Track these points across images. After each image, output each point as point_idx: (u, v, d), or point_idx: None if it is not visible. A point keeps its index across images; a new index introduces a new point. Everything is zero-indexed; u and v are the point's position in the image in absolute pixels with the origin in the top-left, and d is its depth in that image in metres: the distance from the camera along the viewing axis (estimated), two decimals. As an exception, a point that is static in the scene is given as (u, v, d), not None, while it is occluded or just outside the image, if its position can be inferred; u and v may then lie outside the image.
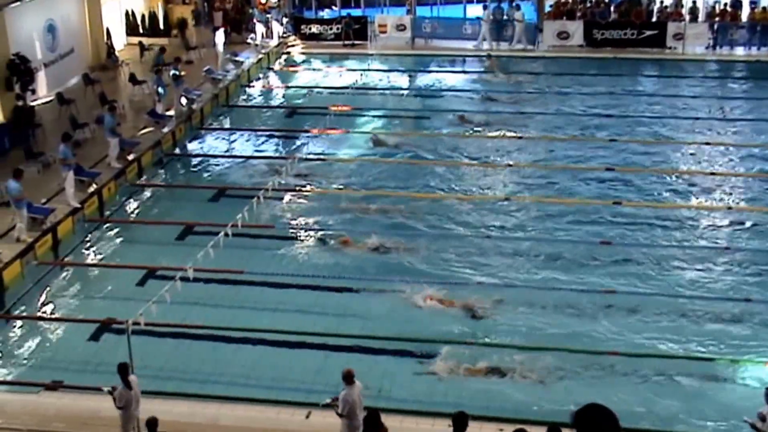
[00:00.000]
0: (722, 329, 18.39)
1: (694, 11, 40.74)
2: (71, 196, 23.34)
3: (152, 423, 13.12)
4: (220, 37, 36.55)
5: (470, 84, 36.95)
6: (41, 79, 31.23)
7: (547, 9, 42.24)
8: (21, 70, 28.80)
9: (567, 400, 15.13)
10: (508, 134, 30.08)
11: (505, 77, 36.68)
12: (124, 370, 14.02)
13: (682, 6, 41.10)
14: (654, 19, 41.14)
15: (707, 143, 29.30)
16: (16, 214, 21.39)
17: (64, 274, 21.38)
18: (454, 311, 19.03)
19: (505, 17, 41.21)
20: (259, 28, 41.16)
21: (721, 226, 23.46)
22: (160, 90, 30.34)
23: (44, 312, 19.56)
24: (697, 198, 25.40)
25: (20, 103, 28.60)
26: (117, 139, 26.12)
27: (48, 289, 20.50)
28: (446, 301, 19.32)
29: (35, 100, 30.03)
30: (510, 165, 27.47)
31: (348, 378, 13.89)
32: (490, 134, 30.28)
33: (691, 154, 28.62)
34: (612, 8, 41.57)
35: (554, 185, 26.07)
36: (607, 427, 5.62)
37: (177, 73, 31.24)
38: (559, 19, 41.09)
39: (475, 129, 30.90)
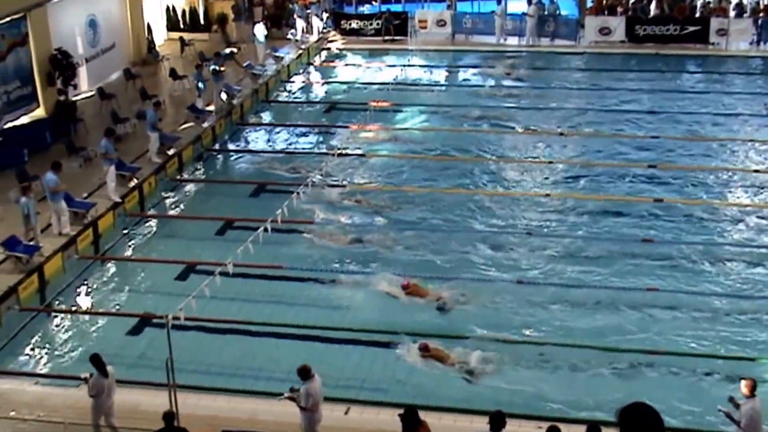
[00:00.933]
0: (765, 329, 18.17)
1: (740, 6, 40.14)
2: (112, 190, 23.48)
3: (169, 416, 13.16)
4: (260, 31, 36.47)
5: (510, 80, 36.68)
6: (83, 74, 31.48)
7: (589, 4, 41.87)
8: (63, 65, 29.07)
9: (612, 398, 15.00)
10: (549, 131, 29.86)
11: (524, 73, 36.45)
12: (97, 360, 14.40)
13: (729, 2, 40.49)
14: (697, 14, 40.61)
15: (750, 140, 28.88)
16: (53, 206, 21.47)
17: (105, 268, 21.53)
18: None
19: (546, 13, 40.93)
20: (300, 24, 41.17)
21: (765, 225, 23.09)
22: (200, 85, 30.45)
23: (84, 306, 19.68)
24: (740, 196, 25.06)
25: (62, 98, 28.86)
26: (157, 134, 26.24)
27: (88, 283, 20.62)
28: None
29: (77, 95, 30.28)
30: (551, 162, 27.26)
31: (305, 373, 14.10)
32: (530, 131, 30.09)
33: (734, 152, 28.21)
34: (654, 4, 41.08)
35: (595, 182, 25.85)
36: (651, 425, 5.59)
37: (216, 68, 31.33)
38: (601, 15, 40.71)
39: (515, 125, 30.71)
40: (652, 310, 18.76)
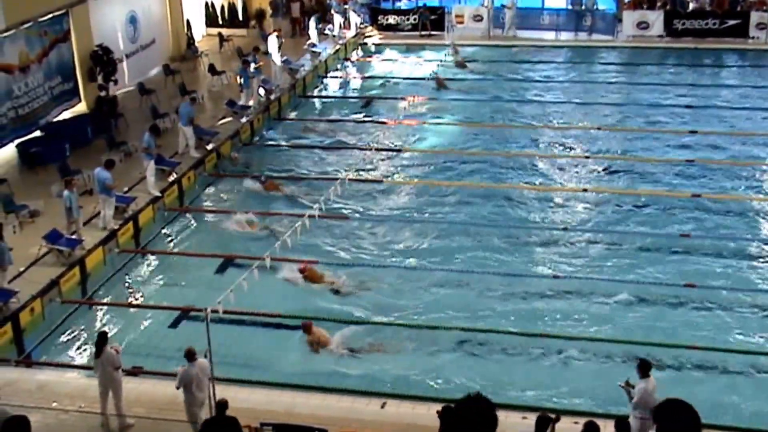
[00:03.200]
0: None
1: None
2: (152, 184, 23.74)
3: (222, 405, 13.29)
4: (273, 44, 35.54)
5: (546, 73, 36.61)
6: (123, 70, 31.82)
7: (627, -1, 41.69)
8: (104, 61, 29.41)
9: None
10: (586, 125, 29.80)
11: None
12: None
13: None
14: (737, 8, 40.24)
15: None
16: (104, 202, 21.76)
17: (145, 261, 21.76)
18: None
19: (583, 7, 40.75)
20: (337, 19, 41.29)
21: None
22: (244, 81, 30.70)
23: (125, 299, 19.93)
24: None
25: (103, 93, 29.19)
26: (191, 128, 26.47)
27: (129, 276, 20.90)
28: None
29: (118, 90, 30.60)
30: (588, 156, 27.20)
31: (189, 355, 14.32)
32: (567, 125, 30.04)
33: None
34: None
35: (633, 176, 25.76)
36: (686, 421, 5.59)
37: (256, 63, 31.56)
38: (639, 9, 40.46)
39: (552, 119, 30.68)
40: (690, 306, 18.70)
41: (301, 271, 20.10)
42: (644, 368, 13.54)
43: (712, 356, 16.91)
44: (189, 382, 14.40)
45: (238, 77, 31.25)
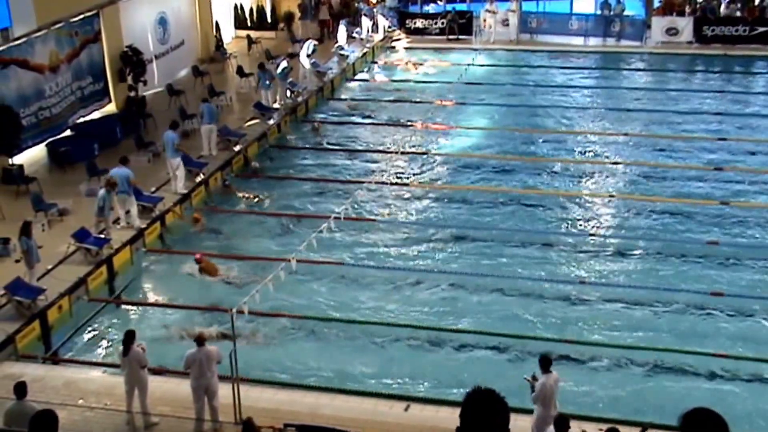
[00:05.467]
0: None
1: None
2: (181, 182, 24.08)
3: (248, 425, 13.34)
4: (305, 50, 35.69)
5: (573, 78, 36.54)
6: (153, 71, 32.03)
7: (656, 5, 41.45)
8: (134, 62, 29.62)
9: (684, 405, 14.99)
10: (613, 131, 29.72)
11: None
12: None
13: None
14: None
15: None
16: (126, 201, 21.92)
17: (172, 260, 21.81)
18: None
19: (612, 13, 40.63)
20: (365, 23, 41.37)
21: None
22: (261, 83, 30.91)
23: (151, 298, 20.05)
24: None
25: (132, 93, 29.40)
26: (212, 126, 26.74)
27: (156, 275, 21.02)
28: None
29: (147, 91, 30.81)
30: (615, 162, 27.11)
31: (198, 340, 14.69)
32: (595, 131, 29.97)
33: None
34: (723, 4, 40.48)
35: (660, 183, 25.66)
36: (714, 431, 5.52)
37: (286, 66, 31.77)
38: (668, 15, 40.28)
39: (579, 125, 30.62)
40: (717, 314, 18.61)
41: (197, 261, 20.42)
42: (545, 363, 13.82)
43: (741, 365, 16.80)
44: (191, 365, 14.65)
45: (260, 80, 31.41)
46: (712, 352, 17.00)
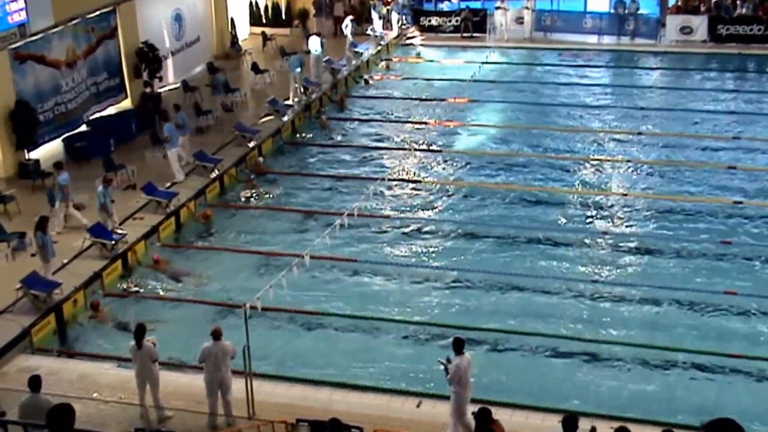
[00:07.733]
0: None
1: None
2: (177, 170, 24.53)
3: None
4: (314, 44, 34.64)
5: (587, 76, 36.49)
6: (168, 67, 32.21)
7: (671, 3, 41.35)
8: (149, 58, 29.78)
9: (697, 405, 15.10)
10: (628, 130, 29.71)
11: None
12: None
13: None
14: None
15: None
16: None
17: (186, 256, 21.95)
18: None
19: (626, 11, 40.55)
20: (379, 20, 41.32)
21: None
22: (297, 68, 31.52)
23: (165, 292, 20.16)
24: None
25: (148, 89, 29.54)
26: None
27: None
28: None
29: (162, 87, 30.96)
30: (629, 161, 27.11)
31: (214, 334, 14.70)
32: (608, 129, 29.96)
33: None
34: (739, 3, 40.33)
35: (673, 182, 25.66)
36: None
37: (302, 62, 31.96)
38: (683, 14, 40.16)
39: (592, 123, 30.62)
40: (730, 313, 18.61)
41: (155, 261, 20.74)
42: (458, 346, 14.24)
43: (755, 365, 16.81)
44: (206, 359, 14.76)
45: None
46: (727, 352, 16.96)
